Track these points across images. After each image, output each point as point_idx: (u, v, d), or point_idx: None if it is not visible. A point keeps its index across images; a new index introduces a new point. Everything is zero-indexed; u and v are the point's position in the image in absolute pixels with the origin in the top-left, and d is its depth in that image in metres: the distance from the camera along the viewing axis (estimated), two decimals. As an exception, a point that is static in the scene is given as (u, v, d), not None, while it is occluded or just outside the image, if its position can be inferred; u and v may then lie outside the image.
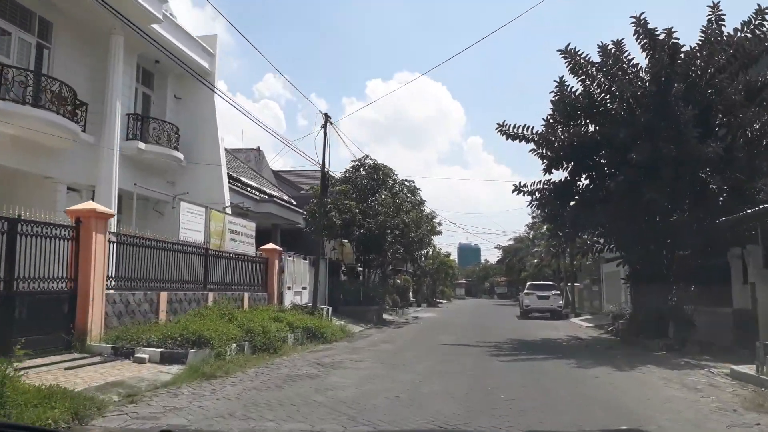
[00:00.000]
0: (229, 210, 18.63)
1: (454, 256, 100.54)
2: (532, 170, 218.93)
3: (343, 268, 26.97)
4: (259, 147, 33.21)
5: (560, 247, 19.34)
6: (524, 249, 57.98)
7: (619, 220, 14.84)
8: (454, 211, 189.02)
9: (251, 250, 17.04)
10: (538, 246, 37.96)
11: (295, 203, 26.27)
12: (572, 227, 16.80)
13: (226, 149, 30.50)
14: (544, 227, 36.31)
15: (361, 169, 25.35)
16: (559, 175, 16.87)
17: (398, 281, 33.80)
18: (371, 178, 24.78)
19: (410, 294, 47.40)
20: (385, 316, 27.38)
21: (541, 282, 31.65)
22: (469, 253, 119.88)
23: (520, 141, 16.73)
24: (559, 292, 29.74)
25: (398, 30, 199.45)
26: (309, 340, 14.39)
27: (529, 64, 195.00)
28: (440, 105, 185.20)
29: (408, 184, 26.84)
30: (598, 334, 19.74)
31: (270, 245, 18.47)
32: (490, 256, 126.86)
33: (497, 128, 16.89)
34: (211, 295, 14.05)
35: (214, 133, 19.63)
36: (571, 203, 16.44)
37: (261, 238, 21.83)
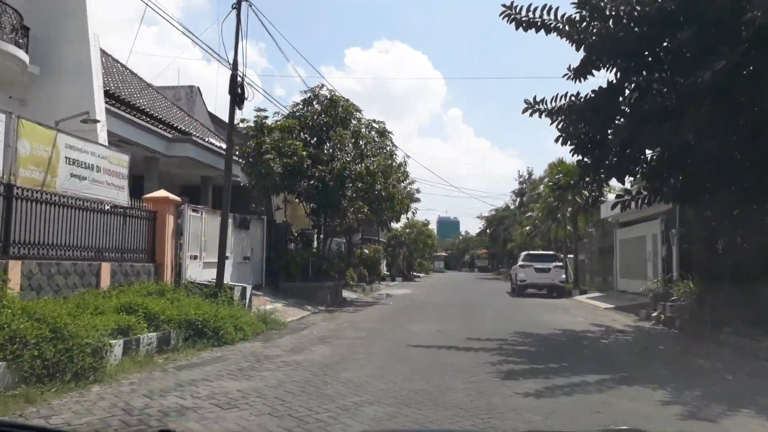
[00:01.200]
0: (103, 139, 12.52)
1: (434, 227, 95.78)
2: (513, 141, 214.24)
3: (295, 234, 21.06)
4: (195, 86, 26.80)
5: (594, 193, 13.48)
6: (510, 217, 52.74)
7: (709, 138, 9.00)
8: (435, 182, 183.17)
9: (122, 198, 11.01)
10: (531, 210, 32.42)
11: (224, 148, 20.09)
12: (621, 156, 10.92)
13: (150, 85, 24.15)
14: (541, 187, 30.68)
15: (315, 103, 19.25)
16: (585, 88, 11.01)
17: (366, 251, 28.10)
18: (327, 115, 18.73)
19: (382, 267, 41.86)
20: (346, 294, 21.68)
21: (540, 252, 26.24)
22: (449, 227, 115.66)
23: (537, 30, 10.88)
24: (561, 264, 24.33)
25: None
26: (193, 341, 8.59)
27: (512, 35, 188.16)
28: (421, 75, 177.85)
29: (378, 125, 20.87)
30: (632, 322, 14.27)
31: (160, 193, 12.45)
32: (471, 228, 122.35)
33: (503, 12, 10.97)
34: (17, 266, 8.08)
35: (84, 30, 13.35)
36: (617, 122, 10.67)
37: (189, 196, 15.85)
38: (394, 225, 53.64)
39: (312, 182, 17.30)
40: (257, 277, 17.15)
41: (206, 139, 19.33)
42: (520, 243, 44.29)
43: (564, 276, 24.05)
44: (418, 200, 53.89)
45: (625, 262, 22.15)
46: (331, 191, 17.33)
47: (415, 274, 55.36)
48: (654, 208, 18.70)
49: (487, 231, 67.38)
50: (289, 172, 16.90)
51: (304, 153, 17.16)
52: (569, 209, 26.52)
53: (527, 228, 36.47)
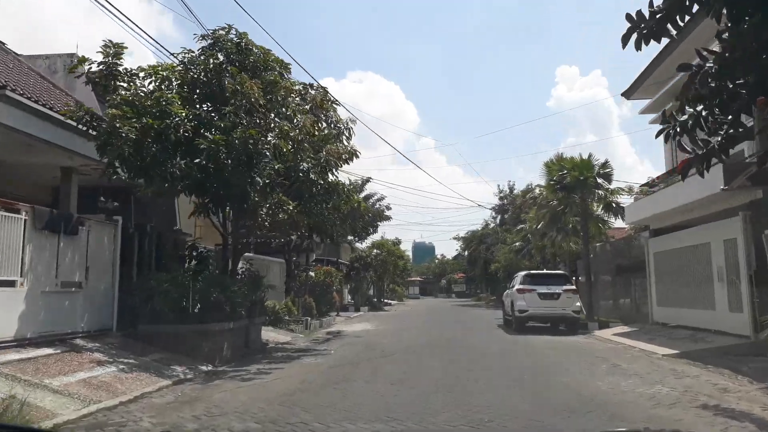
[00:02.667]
0: None
1: (409, 254, 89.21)
2: (485, 169, 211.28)
3: (201, 250, 14.14)
4: (75, 53, 20.00)
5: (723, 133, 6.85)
6: (492, 235, 46.63)
7: None
8: (410, 207, 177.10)
9: None
10: (521, 222, 25.95)
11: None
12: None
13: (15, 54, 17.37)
14: (536, 190, 24.40)
15: (218, 52, 12.60)
16: None
17: (311, 274, 21.30)
18: (233, 64, 12.12)
19: (344, 295, 35.08)
20: (273, 335, 14.93)
21: (545, 272, 19.85)
22: (424, 252, 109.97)
23: None
24: (574, 287, 17.92)
25: (350, 28, 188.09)
26: None
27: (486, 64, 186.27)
28: (394, 105, 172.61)
29: (315, 90, 14.35)
30: (757, 390, 7.78)
31: None
32: (447, 252, 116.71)
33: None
34: None
35: None
36: None
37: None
38: (361, 245, 47.21)
39: (197, 160, 10.60)
40: (101, 317, 10.28)
41: (38, 100, 12.39)
42: (506, 264, 38.06)
43: (579, 304, 17.64)
44: (388, 218, 47.68)
45: (667, 284, 15.84)
46: (231, 175, 10.65)
47: (386, 301, 48.59)
48: (724, 200, 12.50)
49: (465, 253, 61.12)
50: (156, 140, 10.23)
51: (184, 113, 10.54)
52: (572, 217, 20.37)
53: (516, 244, 30.17)
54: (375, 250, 40.57)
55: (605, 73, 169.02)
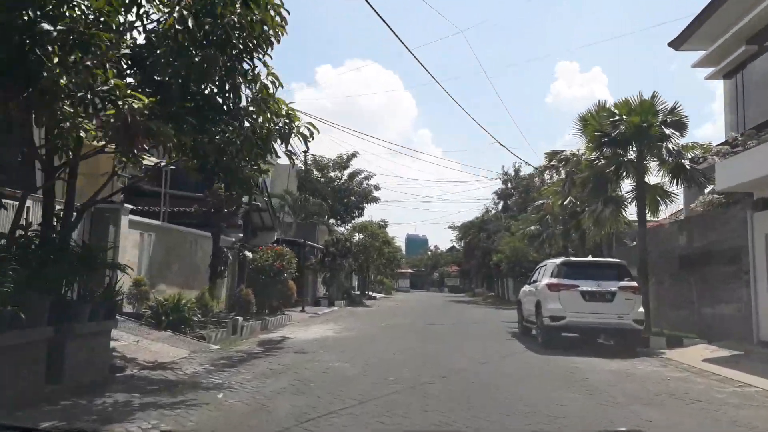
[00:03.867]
0: None
1: (401, 245, 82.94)
2: (483, 164, 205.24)
3: None
4: None
5: None
6: (493, 222, 40.78)
7: None
8: (405, 201, 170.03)
9: None
10: (546, 191, 19.80)
11: None
12: None
13: None
14: (577, 147, 18.22)
15: None
16: None
17: (248, 254, 15.05)
18: None
19: (318, 286, 29.24)
20: (156, 348, 8.99)
21: (591, 259, 14.00)
22: (418, 245, 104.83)
23: None
24: (634, 283, 11.97)
25: (347, 15, 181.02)
26: None
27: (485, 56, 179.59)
28: (392, 94, 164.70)
29: None
30: None
31: None
32: (441, 244, 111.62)
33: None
34: None
35: None
36: None
37: None
38: (342, 229, 40.82)
39: None
40: None
41: None
42: (511, 255, 32.24)
43: (641, 309, 11.69)
44: (375, 200, 41.72)
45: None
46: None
47: (371, 294, 42.70)
48: None
49: (461, 243, 55.16)
50: None
51: None
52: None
53: (532, 228, 24.18)
54: (357, 234, 34.66)
55: (605, 71, 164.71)
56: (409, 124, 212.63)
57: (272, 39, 6.85)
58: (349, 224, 36.23)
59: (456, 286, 79.93)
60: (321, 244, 28.96)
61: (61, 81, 5.14)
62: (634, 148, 13.53)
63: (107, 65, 5.60)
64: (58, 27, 5.00)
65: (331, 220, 36.56)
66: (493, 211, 42.82)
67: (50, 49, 5.09)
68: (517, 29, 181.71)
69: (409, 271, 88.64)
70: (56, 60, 5.10)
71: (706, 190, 13.72)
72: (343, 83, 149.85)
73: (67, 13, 5.18)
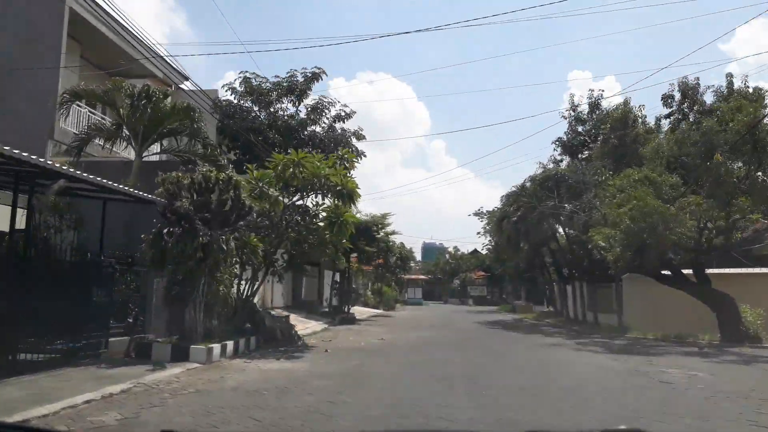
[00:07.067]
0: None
1: (417, 255, 65.42)
2: (494, 174, 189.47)
3: None
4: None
5: None
6: (572, 176, 23.26)
7: None
8: (418, 216, 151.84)
9: None
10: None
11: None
12: None
13: None
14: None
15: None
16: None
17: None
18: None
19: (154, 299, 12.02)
20: None
21: None
22: (434, 253, 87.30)
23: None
24: None
25: (358, 27, 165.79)
26: None
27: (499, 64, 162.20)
28: (405, 106, 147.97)
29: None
30: None
31: None
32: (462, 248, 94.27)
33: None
34: None
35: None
36: None
37: None
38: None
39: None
40: None
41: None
42: (629, 236, 14.79)
43: None
44: (361, 137, 25.04)
45: None
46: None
47: (350, 312, 25.72)
48: None
49: (490, 238, 37.10)
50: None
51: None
52: None
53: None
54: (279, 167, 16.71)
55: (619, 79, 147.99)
56: (422, 135, 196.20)
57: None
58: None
59: (483, 297, 62.25)
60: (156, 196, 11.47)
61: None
62: None
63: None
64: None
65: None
66: (564, 163, 25.37)
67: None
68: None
69: (422, 277, 71.31)
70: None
71: None
72: (357, 95, 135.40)
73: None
